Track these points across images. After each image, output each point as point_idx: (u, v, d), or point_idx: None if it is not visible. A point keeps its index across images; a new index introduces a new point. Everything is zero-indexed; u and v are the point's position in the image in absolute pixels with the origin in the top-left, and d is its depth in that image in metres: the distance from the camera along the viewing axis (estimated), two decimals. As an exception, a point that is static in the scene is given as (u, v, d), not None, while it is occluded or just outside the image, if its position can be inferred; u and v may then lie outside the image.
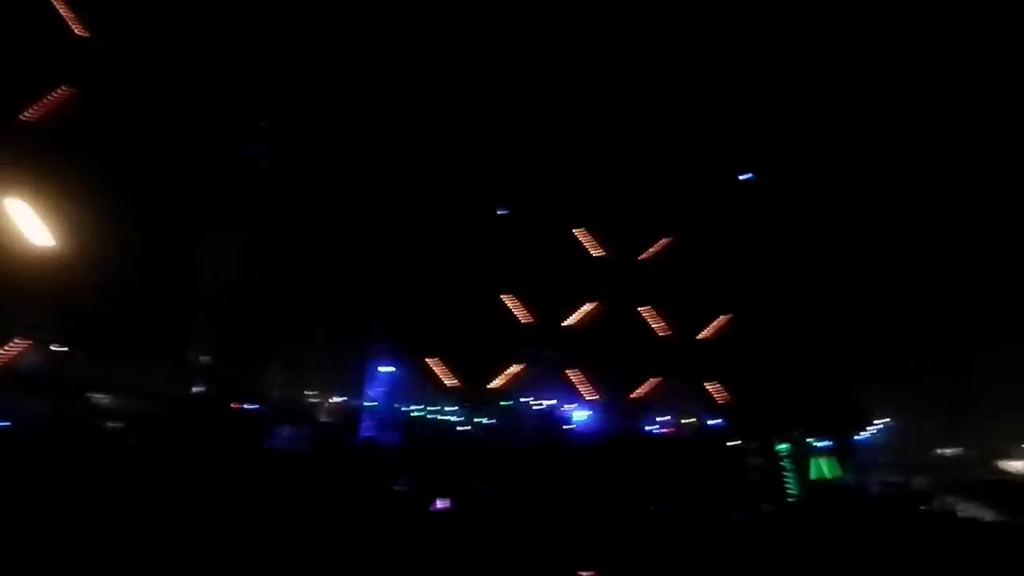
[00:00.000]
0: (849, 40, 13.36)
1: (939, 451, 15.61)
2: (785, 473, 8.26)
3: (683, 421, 17.32)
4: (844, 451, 13.58)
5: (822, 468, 12.70)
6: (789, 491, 7.37)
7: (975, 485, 13.93)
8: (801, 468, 11.88)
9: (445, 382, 16.56)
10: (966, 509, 13.29)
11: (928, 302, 14.01)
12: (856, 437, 14.04)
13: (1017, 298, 13.32)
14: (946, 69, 12.98)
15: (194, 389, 14.09)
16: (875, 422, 14.84)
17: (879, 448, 14.94)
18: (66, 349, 13.61)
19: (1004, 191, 13.16)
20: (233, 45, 12.29)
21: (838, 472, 12.73)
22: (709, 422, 17.40)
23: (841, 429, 13.20)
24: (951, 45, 12.72)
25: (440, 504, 11.07)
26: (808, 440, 13.19)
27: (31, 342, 12.82)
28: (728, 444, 16.17)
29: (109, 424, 12.86)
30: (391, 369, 16.38)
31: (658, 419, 18.08)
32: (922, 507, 13.28)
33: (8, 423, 10.02)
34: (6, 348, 12.62)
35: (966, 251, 13.72)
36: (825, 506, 11.85)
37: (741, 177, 15.35)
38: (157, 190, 13.01)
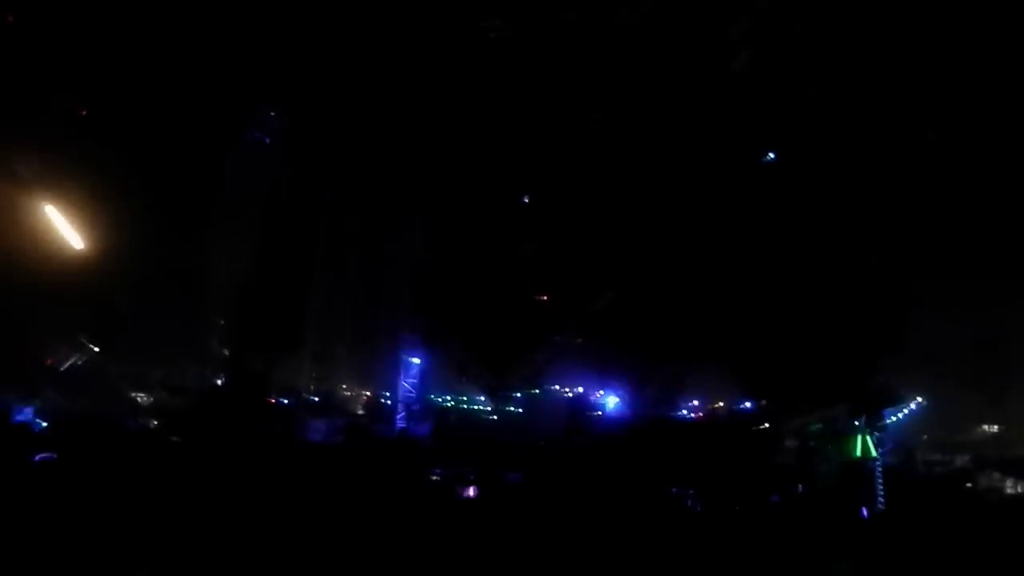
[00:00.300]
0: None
1: (981, 428, 15.34)
2: (817, 454, 8.10)
3: (713, 405, 17.20)
4: (875, 430, 13.33)
5: (856, 447, 12.48)
6: (821, 471, 7.21)
7: (1020, 461, 13.66)
8: (835, 448, 11.67)
9: (474, 372, 16.62)
10: (1014, 485, 13.04)
11: (965, 279, 13.68)
12: (889, 416, 13.77)
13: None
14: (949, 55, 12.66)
15: (229, 385, 14.30)
16: (910, 401, 14.58)
17: (918, 427, 14.67)
18: (101, 350, 13.91)
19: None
20: (242, 40, 12.28)
21: (872, 452, 12.50)
22: (739, 405, 17.27)
23: (873, 408, 12.94)
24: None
25: (471, 492, 11.16)
26: (843, 420, 12.99)
27: (72, 346, 13.11)
28: (758, 427, 16.04)
29: (151, 422, 13.14)
30: (419, 361, 16.48)
31: (688, 403, 18.00)
32: (968, 484, 13.04)
33: (53, 455, 10.21)
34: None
35: (1001, 229, 13.38)
36: (865, 486, 11.68)
37: (766, 157, 15.13)
38: (183, 189, 13.15)
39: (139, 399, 14.51)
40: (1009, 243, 13.33)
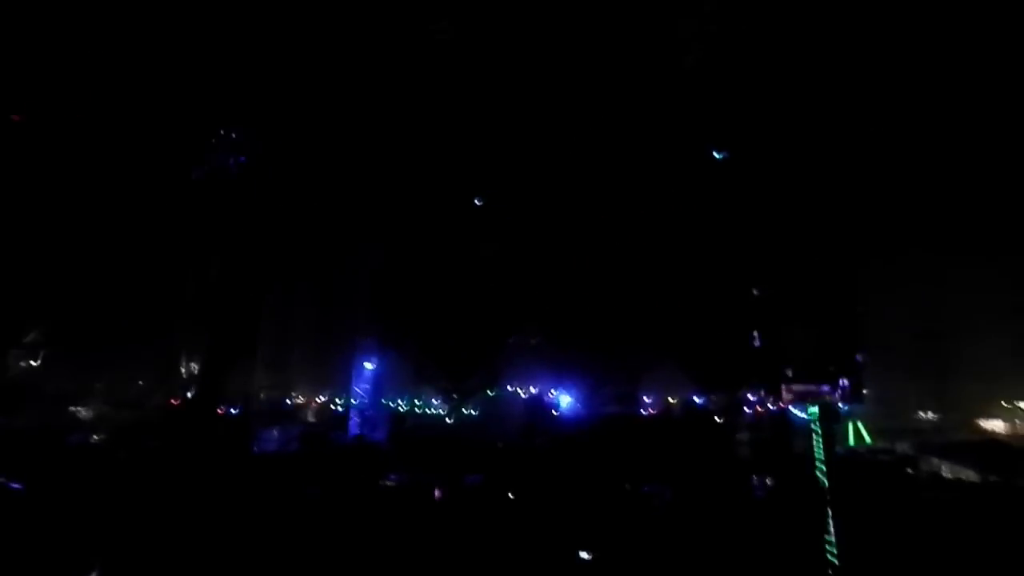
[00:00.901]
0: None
1: (922, 416, 15.90)
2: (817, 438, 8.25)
3: (670, 400, 17.46)
4: (832, 421, 13.70)
5: (859, 432, 12.78)
6: (818, 456, 7.34)
7: (958, 446, 14.19)
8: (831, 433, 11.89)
9: (430, 375, 16.51)
10: (951, 470, 13.54)
11: (906, 273, 14.22)
12: (841, 405, 14.19)
13: (990, 267, 13.58)
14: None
15: (177, 397, 13.88)
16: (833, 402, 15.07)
17: (861, 415, 15.14)
18: (41, 364, 13.33)
19: (977, 164, 13.33)
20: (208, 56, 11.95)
21: (867, 439, 12.83)
22: (692, 400, 17.59)
23: (851, 397, 13.37)
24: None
25: (435, 495, 11.06)
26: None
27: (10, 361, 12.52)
28: (716, 420, 16.35)
29: (93, 437, 12.62)
30: (373, 366, 16.27)
31: (642, 400, 18.22)
32: (909, 470, 13.50)
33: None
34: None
35: (941, 224, 13.94)
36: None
37: (717, 155, 15.41)
38: (129, 200, 12.68)
39: (80, 413, 13.94)
40: (949, 236, 13.88)
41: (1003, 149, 13.32)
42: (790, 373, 13.44)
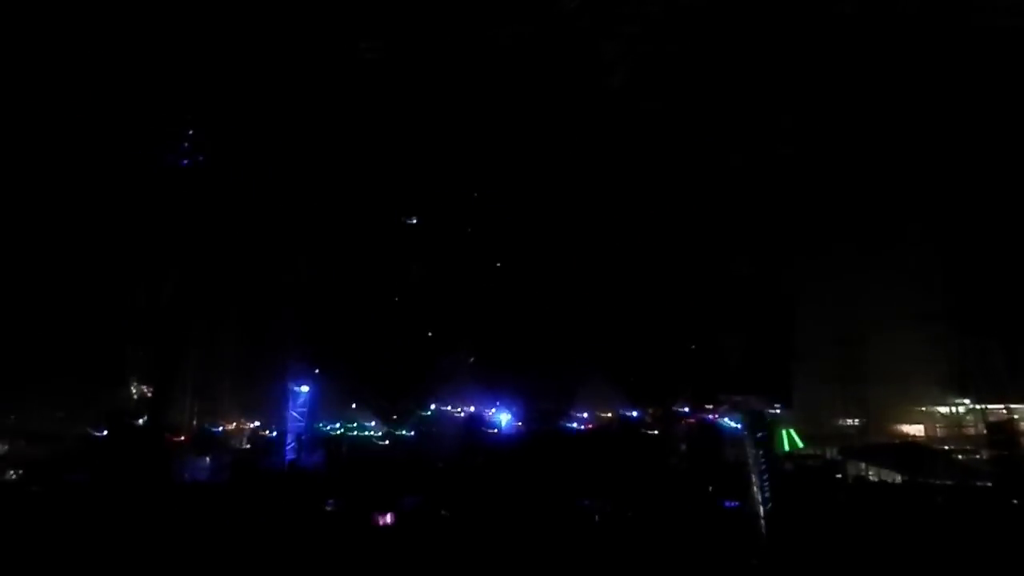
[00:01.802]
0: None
1: (845, 421, 16.45)
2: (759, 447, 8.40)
3: (602, 414, 17.65)
4: (758, 429, 14.02)
5: (784, 441, 13.06)
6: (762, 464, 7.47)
7: (880, 450, 14.75)
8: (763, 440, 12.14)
9: (364, 397, 16.25)
10: (877, 473, 14.08)
11: (824, 279, 14.79)
12: (769, 411, 14.56)
13: (903, 274, 14.25)
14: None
15: (94, 430, 13.23)
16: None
17: (787, 423, 15.55)
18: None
19: (888, 175, 14.02)
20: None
21: (799, 444, 13.13)
22: (626, 413, 17.82)
23: (755, 408, 13.68)
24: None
25: (379, 519, 10.87)
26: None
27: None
28: (648, 432, 16.56)
29: (7, 473, 11.91)
30: (307, 389, 15.89)
31: (577, 415, 18.35)
32: (838, 475, 13.96)
33: None
34: None
35: (857, 234, 14.57)
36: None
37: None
38: (52, 224, 12.11)
39: (-8, 448, 13.16)
40: (866, 243, 14.49)
41: (911, 160, 14.00)
42: (718, 384, 13.81)
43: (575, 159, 15.89)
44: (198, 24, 11.94)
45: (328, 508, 11.78)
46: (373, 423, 17.01)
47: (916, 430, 16.12)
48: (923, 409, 16.14)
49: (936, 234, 14.27)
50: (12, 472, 11.80)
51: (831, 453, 15.44)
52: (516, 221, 16.85)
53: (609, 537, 9.59)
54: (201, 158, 13.08)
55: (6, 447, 13.22)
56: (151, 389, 13.10)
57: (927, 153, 14.04)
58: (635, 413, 18.01)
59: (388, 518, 10.95)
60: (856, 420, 16.72)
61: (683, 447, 15.58)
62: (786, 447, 13.02)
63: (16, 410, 13.80)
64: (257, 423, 16.22)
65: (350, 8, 13.15)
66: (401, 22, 13.69)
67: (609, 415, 18.23)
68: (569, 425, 18.24)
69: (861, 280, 14.80)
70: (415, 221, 17.37)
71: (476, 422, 17.74)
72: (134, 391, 12.96)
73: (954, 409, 15.61)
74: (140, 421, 12.22)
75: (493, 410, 17.99)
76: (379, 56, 14.70)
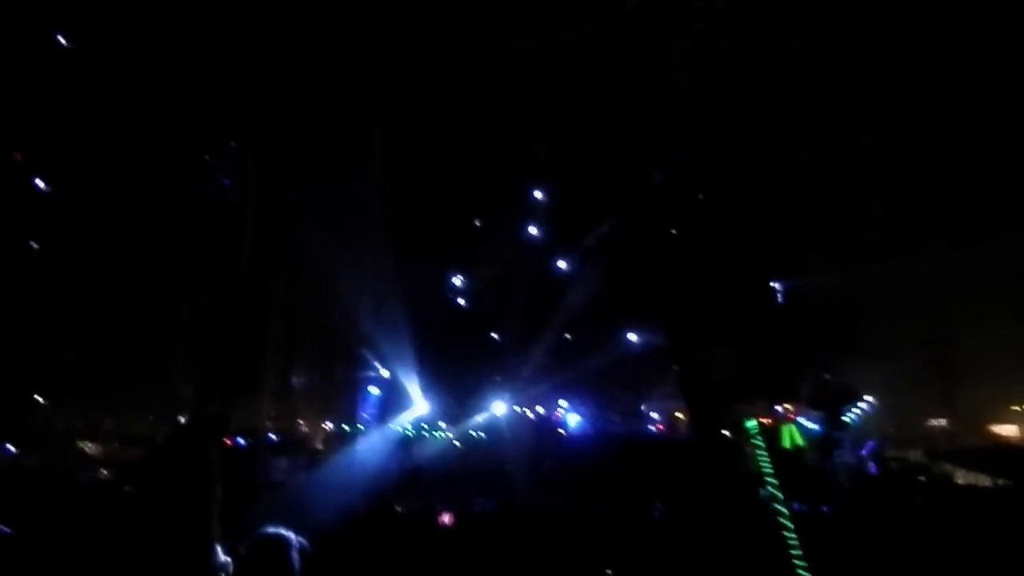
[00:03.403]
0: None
1: (931, 423, 15.82)
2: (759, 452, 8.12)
3: (677, 415, 17.40)
4: (836, 429, 13.60)
5: (784, 439, 12.68)
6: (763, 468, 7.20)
7: (969, 452, 14.10)
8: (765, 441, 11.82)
9: (435, 398, 16.50)
10: (964, 476, 13.43)
11: (908, 277, 14.18)
12: (846, 416, 14.11)
13: (993, 268, 13.53)
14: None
15: (185, 431, 13.88)
16: (864, 400, 14.96)
17: (871, 425, 15.07)
18: (50, 403, 13.40)
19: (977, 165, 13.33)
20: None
21: (800, 441, 12.71)
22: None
23: (833, 408, 13.24)
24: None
25: (446, 520, 11.01)
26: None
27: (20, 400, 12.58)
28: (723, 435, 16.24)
29: (102, 474, 12.65)
30: (378, 392, 16.29)
31: (648, 416, 18.17)
32: (920, 478, 13.39)
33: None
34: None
35: (939, 224, 13.94)
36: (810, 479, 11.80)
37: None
38: (129, 235, 12.79)
39: (88, 450, 14.02)
40: (956, 237, 13.84)
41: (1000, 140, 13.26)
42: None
43: (641, 158, 15.74)
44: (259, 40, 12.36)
45: (398, 508, 12.00)
46: (442, 424, 17.28)
47: (1009, 431, 15.37)
48: (1016, 409, 15.38)
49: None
50: (106, 472, 12.52)
51: (915, 455, 14.88)
52: (582, 217, 16.80)
53: (676, 540, 9.43)
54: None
55: (101, 449, 14.12)
56: (233, 392, 13.65)
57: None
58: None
59: (447, 518, 11.07)
60: (944, 421, 16.07)
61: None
62: (787, 444, 12.58)
63: (109, 413, 14.67)
64: (331, 425, 16.76)
65: (413, 15, 13.40)
66: (463, 29, 13.85)
67: (681, 416, 17.98)
68: (642, 427, 18.11)
69: (950, 276, 14.18)
70: (479, 223, 17.56)
71: (545, 424, 17.80)
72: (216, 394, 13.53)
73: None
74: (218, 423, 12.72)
75: (561, 411, 18.02)
76: (448, 63, 14.93)
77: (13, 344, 12.01)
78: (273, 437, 14.80)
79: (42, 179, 12.11)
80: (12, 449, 12.41)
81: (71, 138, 11.93)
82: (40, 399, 13.06)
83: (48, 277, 12.18)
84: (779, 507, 4.69)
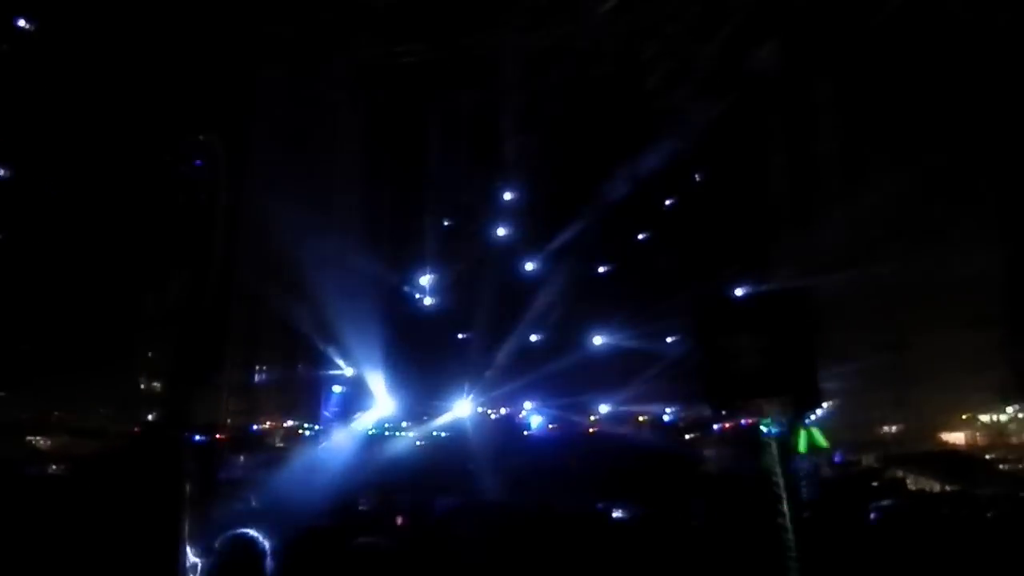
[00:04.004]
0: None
1: (884, 428, 16.19)
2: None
3: (640, 419, 17.55)
4: (792, 432, 13.78)
5: (811, 438, 12.74)
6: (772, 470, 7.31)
7: (921, 458, 14.47)
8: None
9: (398, 397, 16.38)
10: (916, 481, 13.77)
11: (866, 282, 14.50)
12: (804, 420, 14.36)
13: (950, 277, 13.91)
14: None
15: (140, 423, 13.56)
16: (820, 405, 15.22)
17: (826, 428, 15.35)
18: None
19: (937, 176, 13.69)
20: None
21: (822, 443, 12.77)
22: (663, 416, 17.69)
23: (799, 410, 13.42)
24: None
25: (404, 519, 10.91)
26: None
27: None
28: (686, 436, 16.46)
29: (52, 468, 12.25)
30: (340, 390, 16.12)
31: (614, 417, 18.27)
32: (874, 483, 13.69)
33: None
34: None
35: (904, 234, 14.27)
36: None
37: None
38: (91, 222, 12.45)
39: (39, 443, 13.56)
40: (910, 248, 14.18)
41: (970, 155, 13.61)
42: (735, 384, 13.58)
43: (618, 158, 15.81)
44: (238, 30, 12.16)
45: (362, 508, 11.84)
46: (405, 424, 17.15)
47: (957, 438, 15.81)
48: (964, 417, 15.82)
49: (987, 233, 13.91)
50: (55, 467, 12.12)
51: (868, 460, 15.23)
52: (551, 217, 16.86)
53: (637, 543, 9.45)
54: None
55: (49, 442, 13.66)
56: (194, 384, 13.35)
57: (987, 147, 13.66)
58: (667, 417, 17.91)
59: (417, 519, 10.94)
60: (895, 427, 16.46)
61: (716, 452, 15.44)
62: (803, 448, 12.73)
63: (61, 405, 14.21)
64: (292, 422, 16.51)
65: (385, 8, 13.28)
66: (434, 27, 13.77)
67: (642, 418, 18.14)
68: (603, 427, 18.19)
69: (905, 282, 14.50)
70: (449, 223, 17.51)
71: (509, 424, 17.80)
72: (177, 387, 13.22)
73: (997, 417, 15.27)
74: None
75: (524, 412, 18.03)
76: (417, 60, 14.82)
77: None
78: (229, 434, 14.52)
79: (3, 167, 11.72)
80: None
81: (33, 127, 11.58)
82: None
83: (3, 265, 11.79)
84: (784, 511, 4.65)
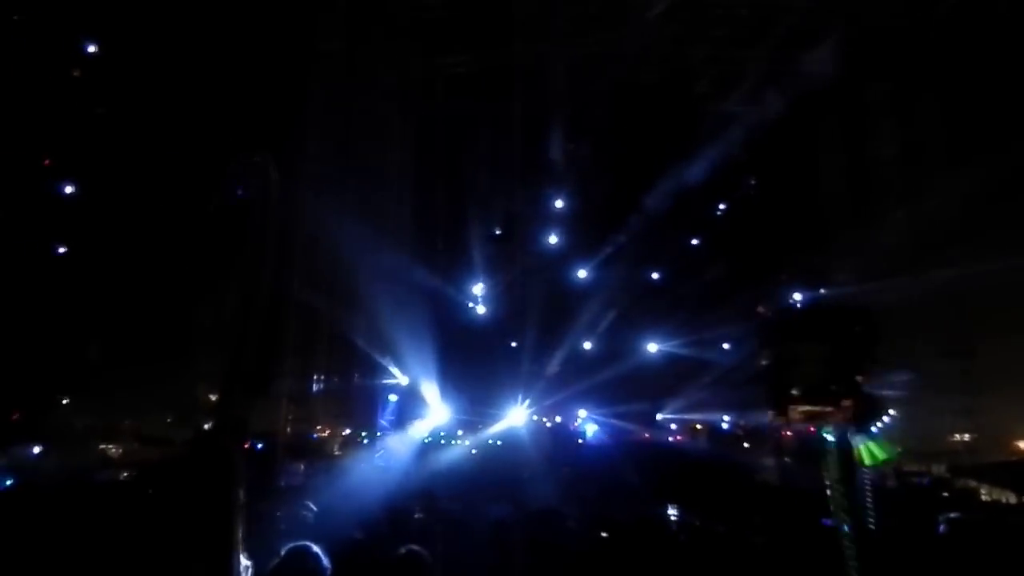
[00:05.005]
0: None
1: (955, 437, 15.57)
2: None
3: (697, 427, 17.28)
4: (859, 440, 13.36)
5: (872, 451, 12.29)
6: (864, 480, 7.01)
7: (995, 468, 13.86)
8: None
9: (451, 407, 16.49)
10: (990, 492, 13.19)
11: (930, 287, 13.99)
12: (872, 429, 13.89)
13: (1018, 280, 13.30)
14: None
15: (201, 431, 13.93)
16: (888, 413, 14.74)
17: (892, 439, 14.81)
18: (70, 402, 13.50)
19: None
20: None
21: (885, 454, 12.32)
22: (722, 424, 17.37)
23: (860, 420, 13.02)
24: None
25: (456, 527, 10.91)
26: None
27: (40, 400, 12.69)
28: (744, 444, 16.12)
29: (122, 475, 12.71)
30: (395, 399, 16.30)
31: (667, 425, 18.03)
32: (944, 494, 13.16)
33: (10, 481, 9.86)
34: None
35: (969, 237, 13.73)
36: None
37: None
38: (154, 238, 12.89)
39: (111, 451, 14.10)
40: (974, 251, 13.65)
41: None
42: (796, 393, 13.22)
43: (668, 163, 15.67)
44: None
45: (418, 516, 11.88)
46: (460, 432, 17.24)
47: (1034, 446, 15.10)
48: (1042, 424, 15.10)
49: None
50: (126, 473, 12.57)
51: (937, 470, 14.65)
52: (604, 225, 16.79)
53: (695, 552, 9.26)
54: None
55: (121, 449, 14.20)
56: (251, 394, 13.64)
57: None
58: (725, 425, 17.57)
59: (472, 526, 10.94)
60: (966, 436, 15.82)
61: (776, 462, 15.06)
62: (867, 461, 12.17)
63: (130, 414, 14.74)
64: (349, 430, 16.78)
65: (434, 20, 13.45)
66: (482, 38, 13.88)
67: (699, 426, 17.86)
68: (658, 435, 17.97)
69: (974, 286, 13.96)
70: (500, 231, 17.58)
71: (563, 433, 17.73)
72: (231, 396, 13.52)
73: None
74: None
75: (579, 420, 17.94)
76: (466, 71, 14.96)
77: (35, 344, 12.13)
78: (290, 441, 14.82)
79: (69, 183, 12.26)
80: (36, 450, 12.51)
81: (96, 142, 12.08)
82: (61, 399, 13.15)
83: (73, 279, 12.31)
84: (844, 527, 4.52)
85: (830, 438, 4.58)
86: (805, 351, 4.64)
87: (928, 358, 14.43)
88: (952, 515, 7.43)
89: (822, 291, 13.78)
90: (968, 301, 14.20)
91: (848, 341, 4.71)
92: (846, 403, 4.33)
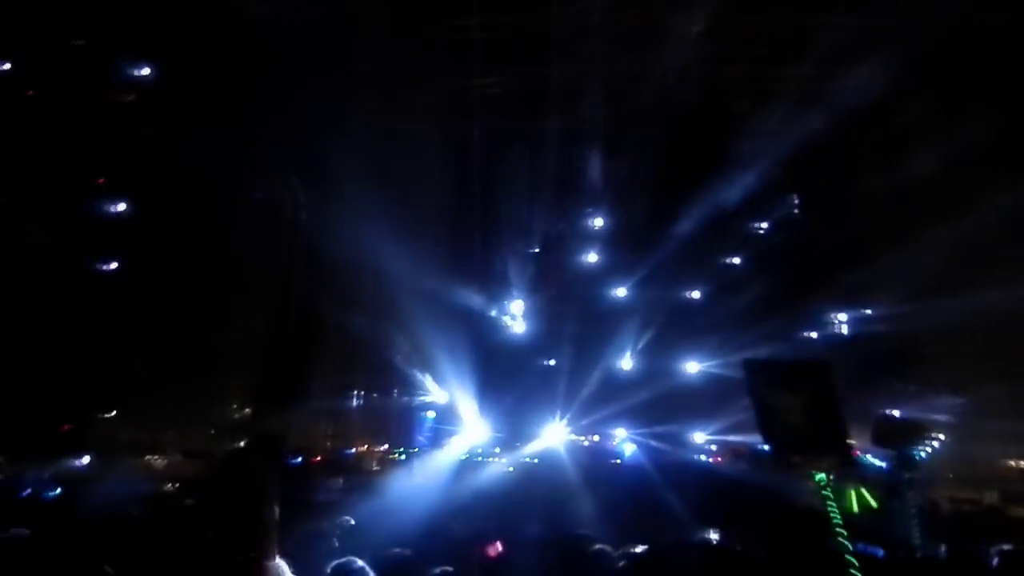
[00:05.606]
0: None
1: (1008, 462, 15.07)
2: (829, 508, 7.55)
3: (737, 449, 16.96)
4: (906, 470, 12.98)
5: (862, 497, 11.81)
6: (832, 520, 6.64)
7: (1049, 494, 13.37)
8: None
9: (488, 425, 16.47)
10: (1044, 521, 12.70)
11: (985, 308, 13.59)
12: (916, 452, 13.49)
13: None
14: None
15: (233, 448, 14.15)
16: (935, 437, 14.31)
17: (942, 463, 14.40)
18: (115, 416, 13.84)
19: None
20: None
21: (873, 503, 11.78)
22: (762, 447, 17.02)
23: (899, 444, 12.66)
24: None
25: (494, 548, 10.87)
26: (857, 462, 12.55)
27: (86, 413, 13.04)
28: (779, 469, 15.75)
29: (165, 487, 12.98)
30: (433, 415, 16.36)
31: (709, 447, 17.74)
32: (996, 523, 12.68)
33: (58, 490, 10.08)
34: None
35: (1017, 253, 13.35)
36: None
37: None
38: (191, 254, 13.22)
39: (155, 463, 14.42)
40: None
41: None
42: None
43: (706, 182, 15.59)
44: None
45: (457, 535, 11.85)
46: (497, 450, 17.20)
47: (1094, 473, 14.51)
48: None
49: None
50: (170, 485, 12.83)
51: (990, 497, 14.15)
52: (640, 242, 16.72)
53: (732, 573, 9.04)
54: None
55: (166, 462, 14.51)
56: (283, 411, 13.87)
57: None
58: (766, 447, 17.20)
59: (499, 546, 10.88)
60: (1021, 462, 15.29)
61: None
62: (854, 508, 11.58)
63: (173, 427, 15.07)
64: (385, 447, 16.87)
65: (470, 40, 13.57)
66: (519, 57, 14.01)
67: (739, 449, 17.53)
68: (695, 455, 17.70)
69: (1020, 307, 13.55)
70: (537, 250, 17.60)
71: (600, 452, 17.56)
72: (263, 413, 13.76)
73: None
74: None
75: (617, 440, 17.76)
76: (502, 91, 15.09)
77: (84, 358, 12.49)
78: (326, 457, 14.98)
79: (121, 201, 12.66)
80: (82, 461, 12.86)
81: (146, 162, 12.47)
82: (107, 412, 13.50)
83: (121, 295, 12.68)
84: (848, 557, 4.46)
85: (879, 463, 4.55)
86: (783, 402, 4.66)
87: (978, 382, 14.01)
88: (1005, 547, 7.12)
89: (864, 311, 13.52)
90: (1020, 323, 13.76)
91: (817, 397, 4.73)
92: (832, 453, 4.33)
